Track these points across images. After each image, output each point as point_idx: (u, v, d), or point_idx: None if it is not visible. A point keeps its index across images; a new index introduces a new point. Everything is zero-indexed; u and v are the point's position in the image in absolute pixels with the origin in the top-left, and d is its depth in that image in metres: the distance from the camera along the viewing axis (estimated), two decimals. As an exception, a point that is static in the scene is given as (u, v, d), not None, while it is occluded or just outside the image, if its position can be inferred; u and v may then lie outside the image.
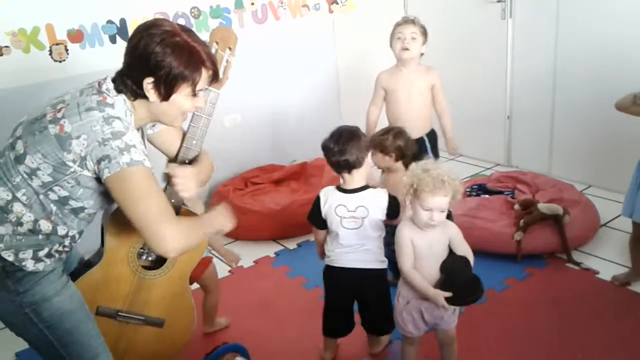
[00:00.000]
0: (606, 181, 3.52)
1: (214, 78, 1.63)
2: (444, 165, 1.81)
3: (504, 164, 4.15)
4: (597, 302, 2.48)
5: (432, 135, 2.95)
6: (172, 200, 1.69)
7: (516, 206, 2.99)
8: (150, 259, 1.89)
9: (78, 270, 1.84)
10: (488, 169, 4.09)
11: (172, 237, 1.50)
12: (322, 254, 2.17)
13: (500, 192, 3.30)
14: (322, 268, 2.16)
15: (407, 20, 2.87)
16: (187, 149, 1.80)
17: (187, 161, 1.80)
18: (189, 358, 2.18)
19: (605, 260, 2.80)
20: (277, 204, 3.25)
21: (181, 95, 1.56)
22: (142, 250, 1.85)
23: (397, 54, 2.88)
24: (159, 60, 1.49)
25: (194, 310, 2.01)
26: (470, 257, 1.87)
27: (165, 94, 1.54)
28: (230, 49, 1.79)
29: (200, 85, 1.57)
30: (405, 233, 1.85)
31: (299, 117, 4.00)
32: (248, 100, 3.71)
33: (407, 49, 2.82)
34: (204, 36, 1.59)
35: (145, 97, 1.55)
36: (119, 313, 1.85)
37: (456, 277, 1.83)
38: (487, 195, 3.28)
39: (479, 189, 3.37)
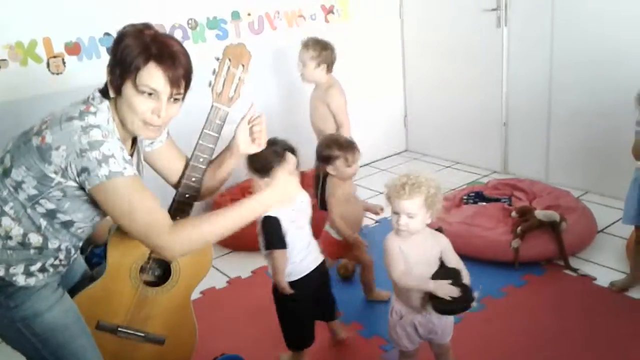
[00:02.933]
0: (603, 187, 3.53)
1: (174, 84, 1.50)
2: (424, 172, 1.81)
3: (501, 171, 4.16)
4: (595, 309, 2.49)
5: None
6: None
7: (513, 213, 3.00)
8: (156, 274, 1.86)
9: (81, 283, 1.82)
10: (485, 176, 4.10)
11: (167, 244, 1.49)
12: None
13: (497, 200, 3.30)
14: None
15: (303, 44, 3.05)
16: (194, 167, 1.75)
17: (193, 179, 1.75)
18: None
19: (603, 267, 2.80)
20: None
21: (128, 88, 1.48)
22: (145, 266, 1.82)
23: None
24: (117, 42, 1.49)
25: (195, 327, 1.99)
26: (463, 270, 1.85)
27: (117, 83, 1.49)
28: (243, 66, 1.74)
29: (142, 78, 1.46)
30: (394, 242, 1.84)
31: (296, 127, 4.00)
32: (245, 111, 3.71)
33: (301, 74, 3.08)
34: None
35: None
36: (119, 328, 1.82)
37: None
38: (484, 203, 3.28)
39: (475, 196, 3.37)
